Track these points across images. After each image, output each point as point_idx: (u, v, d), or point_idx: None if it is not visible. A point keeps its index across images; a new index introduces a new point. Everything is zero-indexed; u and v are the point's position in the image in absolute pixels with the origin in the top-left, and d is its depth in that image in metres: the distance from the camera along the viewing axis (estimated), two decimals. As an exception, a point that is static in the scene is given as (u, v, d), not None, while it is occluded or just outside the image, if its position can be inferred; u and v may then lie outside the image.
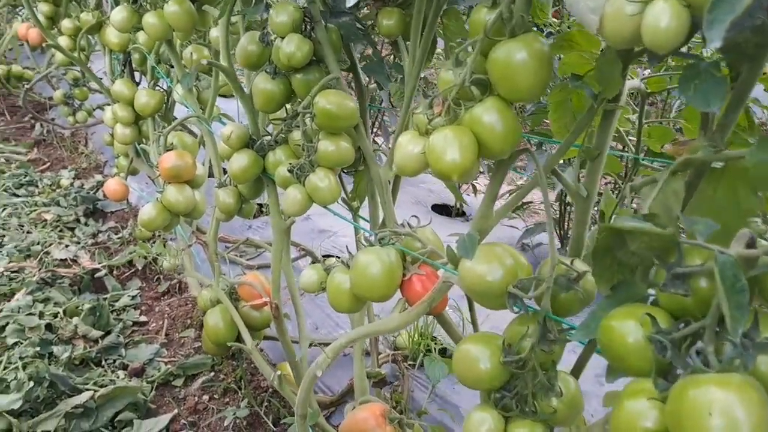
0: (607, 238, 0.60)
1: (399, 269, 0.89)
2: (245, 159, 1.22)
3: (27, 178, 3.14)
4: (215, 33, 1.49)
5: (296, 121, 1.07)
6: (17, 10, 4.12)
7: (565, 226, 2.26)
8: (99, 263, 2.33)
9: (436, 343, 1.60)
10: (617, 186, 2.14)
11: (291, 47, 1.04)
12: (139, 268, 2.35)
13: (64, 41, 2.45)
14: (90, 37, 2.74)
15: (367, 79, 1.50)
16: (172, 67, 1.96)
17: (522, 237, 2.18)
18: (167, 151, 1.54)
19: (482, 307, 0.74)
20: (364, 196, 1.36)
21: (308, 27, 1.08)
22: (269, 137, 1.26)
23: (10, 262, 2.32)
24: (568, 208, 2.25)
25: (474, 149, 0.66)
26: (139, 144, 2.11)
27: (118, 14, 1.46)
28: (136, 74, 2.10)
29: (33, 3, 3.13)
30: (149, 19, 1.41)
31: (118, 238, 2.58)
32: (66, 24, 2.51)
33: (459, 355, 0.69)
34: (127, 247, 2.49)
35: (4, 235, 2.53)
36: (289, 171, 1.09)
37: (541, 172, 0.71)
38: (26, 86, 3.46)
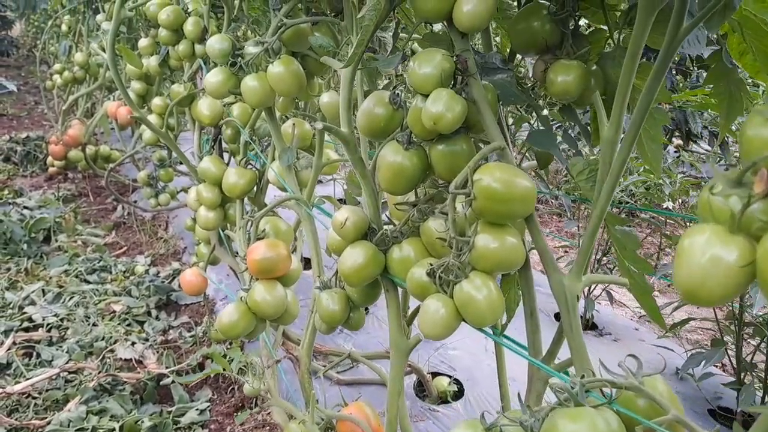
0: None
1: (626, 448, 0.57)
2: (362, 254, 0.97)
3: (101, 263, 3.06)
4: (326, 98, 1.29)
5: (441, 207, 0.81)
6: (112, 93, 4.28)
7: (743, 352, 1.85)
8: (166, 367, 2.11)
9: None
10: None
11: (439, 107, 0.80)
12: (211, 374, 2.11)
13: (153, 119, 2.39)
14: (179, 116, 2.70)
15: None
16: (267, 146, 1.81)
17: (687, 365, 1.79)
18: (258, 239, 1.32)
19: None
20: (514, 310, 1.06)
21: (458, 83, 0.85)
22: (392, 227, 1.01)
23: (69, 359, 2.15)
24: (746, 327, 1.84)
25: None
26: (223, 230, 1.93)
27: (214, 77, 1.29)
28: (225, 155, 1.96)
29: (126, 82, 3.18)
30: (249, 82, 1.23)
31: (191, 336, 2.37)
32: (156, 102, 2.47)
33: None
34: (200, 347, 2.27)
35: (67, 328, 2.39)
36: (429, 275, 0.82)
37: None
38: (110, 167, 3.47)
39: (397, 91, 0.95)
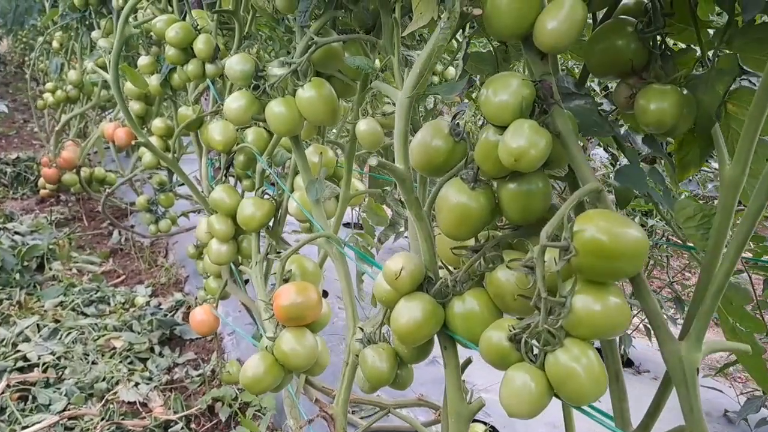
0: None
1: None
2: (419, 309, 0.85)
3: (98, 294, 2.93)
4: (364, 126, 1.18)
5: (526, 260, 0.70)
6: (105, 113, 4.17)
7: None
8: (174, 411, 1.98)
9: None
10: None
11: (520, 141, 0.69)
12: (223, 419, 1.98)
13: (154, 142, 2.28)
14: (180, 138, 2.59)
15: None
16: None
17: (745, 410, 1.66)
18: (284, 282, 1.21)
19: None
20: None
21: (537, 112, 0.74)
22: (448, 275, 0.90)
23: (68, 404, 2.02)
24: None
25: None
26: (235, 265, 1.81)
27: (235, 102, 1.18)
28: (230, 181, 1.84)
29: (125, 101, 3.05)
30: (276, 108, 1.13)
31: (198, 375, 2.25)
32: (157, 124, 2.36)
33: None
34: (209, 388, 2.15)
35: (65, 367, 2.26)
36: (512, 340, 0.71)
37: None
38: (107, 190, 3.35)
39: (457, 122, 0.84)
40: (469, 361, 1.12)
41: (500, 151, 0.71)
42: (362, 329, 1.04)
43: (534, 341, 0.70)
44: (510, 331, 0.72)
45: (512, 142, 0.70)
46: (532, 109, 0.74)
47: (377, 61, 1.25)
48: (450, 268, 0.93)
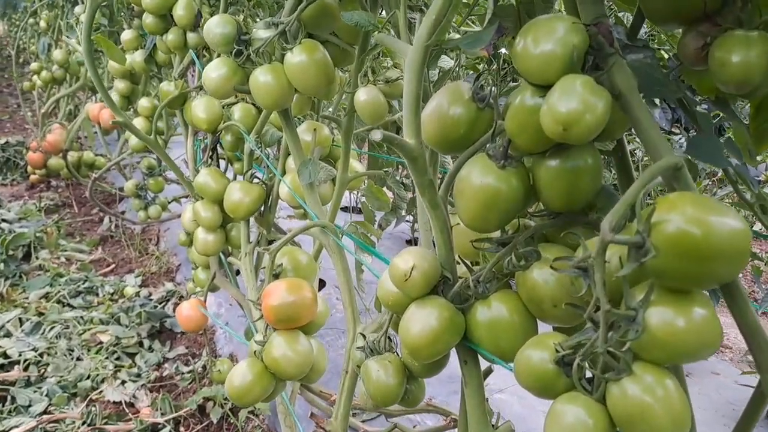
0: None
1: None
2: (435, 317, 0.69)
3: (86, 284, 2.76)
4: (363, 96, 1.01)
5: (578, 261, 0.53)
6: (97, 95, 3.98)
7: None
8: (161, 413, 1.83)
9: None
10: None
11: (572, 103, 0.53)
12: (214, 420, 1.82)
13: (140, 123, 2.11)
14: (168, 118, 2.41)
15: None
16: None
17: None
18: (274, 277, 1.05)
19: None
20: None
21: (589, 67, 0.57)
22: (469, 275, 0.73)
23: (49, 404, 1.87)
24: None
25: None
26: (225, 255, 1.64)
27: (214, 71, 1.01)
28: (221, 163, 1.67)
29: (109, 81, 2.86)
30: (261, 77, 0.95)
31: (189, 372, 2.09)
32: (143, 103, 2.19)
33: None
34: (199, 386, 1.99)
35: (47, 364, 2.10)
36: (560, 364, 0.54)
37: None
38: (93, 177, 3.18)
39: (481, 84, 0.67)
40: (489, 371, 0.96)
41: (543, 118, 0.54)
42: (364, 335, 0.88)
43: (598, 370, 0.53)
44: (556, 351, 0.55)
45: (560, 105, 0.53)
46: (583, 63, 0.57)
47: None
48: (468, 264, 0.77)
